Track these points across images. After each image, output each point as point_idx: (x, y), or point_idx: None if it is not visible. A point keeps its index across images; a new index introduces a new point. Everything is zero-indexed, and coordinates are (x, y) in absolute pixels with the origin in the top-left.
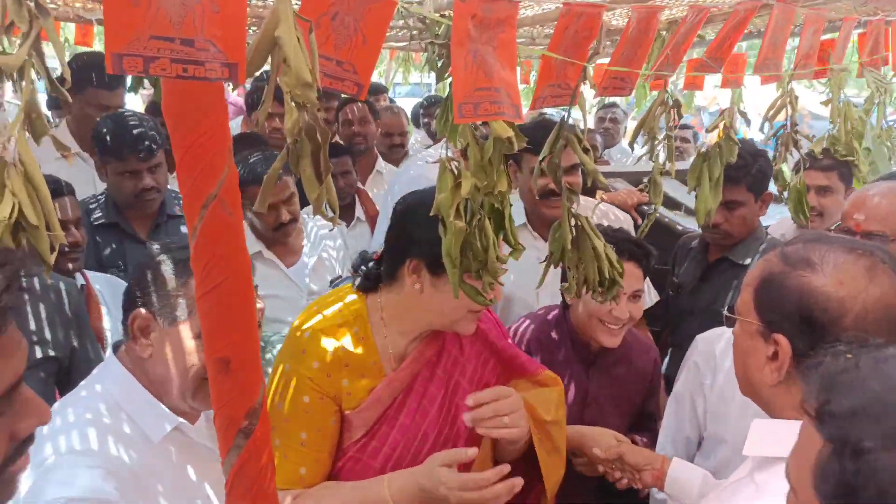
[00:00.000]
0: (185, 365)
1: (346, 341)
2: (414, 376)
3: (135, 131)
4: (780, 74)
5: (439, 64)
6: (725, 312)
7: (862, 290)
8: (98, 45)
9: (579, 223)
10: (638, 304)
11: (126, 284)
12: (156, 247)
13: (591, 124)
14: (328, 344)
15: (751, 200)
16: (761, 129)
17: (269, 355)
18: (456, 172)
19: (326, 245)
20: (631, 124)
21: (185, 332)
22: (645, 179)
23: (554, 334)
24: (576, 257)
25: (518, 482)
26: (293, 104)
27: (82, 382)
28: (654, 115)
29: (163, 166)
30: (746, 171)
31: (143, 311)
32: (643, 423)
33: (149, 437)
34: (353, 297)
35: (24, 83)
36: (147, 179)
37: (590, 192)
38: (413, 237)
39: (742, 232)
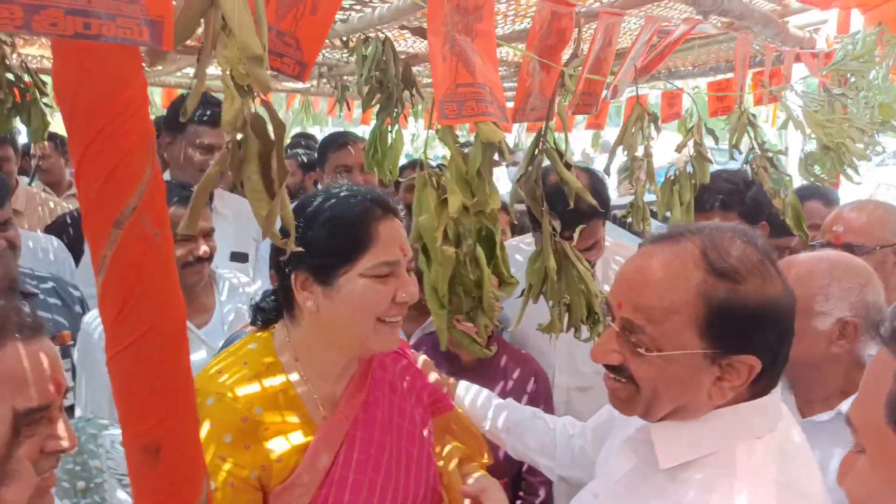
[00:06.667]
0: None
1: (262, 398)
2: (352, 422)
3: None
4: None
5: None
6: (649, 353)
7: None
8: None
9: (561, 249)
10: None
11: None
12: None
13: None
14: (240, 406)
15: None
16: (732, 157)
17: None
18: (438, 187)
19: (243, 293)
20: None
21: None
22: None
23: (429, 349)
24: (559, 290)
25: None
26: (233, 89)
27: None
28: (631, 132)
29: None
30: (740, 199)
31: None
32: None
33: None
34: (255, 344)
35: None
36: None
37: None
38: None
39: None
